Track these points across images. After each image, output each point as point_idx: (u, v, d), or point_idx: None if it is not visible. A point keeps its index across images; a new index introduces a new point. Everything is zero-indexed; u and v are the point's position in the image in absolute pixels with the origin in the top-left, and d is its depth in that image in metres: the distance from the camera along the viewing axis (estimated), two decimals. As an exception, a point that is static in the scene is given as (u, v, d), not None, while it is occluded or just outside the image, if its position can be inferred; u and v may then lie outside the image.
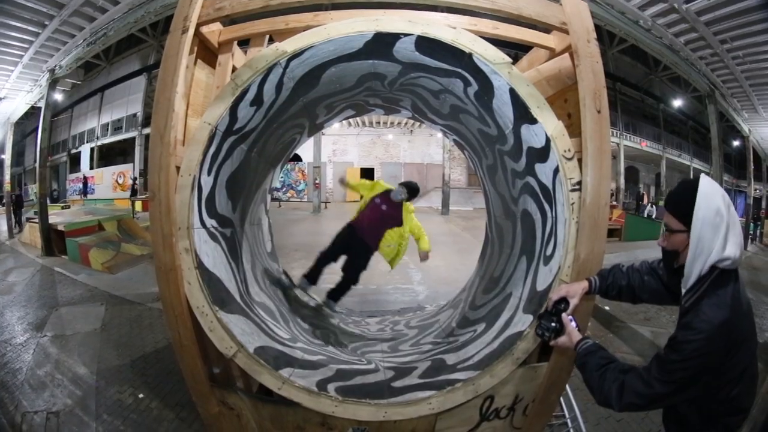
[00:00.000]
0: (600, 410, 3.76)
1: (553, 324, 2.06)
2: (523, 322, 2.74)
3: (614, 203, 18.63)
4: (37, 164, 12.88)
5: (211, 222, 3.15)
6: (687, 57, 10.39)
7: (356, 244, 4.98)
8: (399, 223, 4.93)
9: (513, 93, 2.59)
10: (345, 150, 26.22)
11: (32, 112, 16.04)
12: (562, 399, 3.34)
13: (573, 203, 2.42)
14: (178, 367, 3.26)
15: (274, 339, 3.36)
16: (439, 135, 22.38)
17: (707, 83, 11.40)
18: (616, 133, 22.84)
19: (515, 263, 3.36)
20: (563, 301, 2.11)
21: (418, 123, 17.74)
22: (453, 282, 7.18)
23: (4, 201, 17.11)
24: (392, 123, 25.36)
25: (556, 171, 2.52)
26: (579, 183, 2.40)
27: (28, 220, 14.45)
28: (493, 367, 2.73)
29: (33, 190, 25.55)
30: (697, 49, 10.02)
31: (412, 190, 4.92)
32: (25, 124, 23.62)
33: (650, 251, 9.57)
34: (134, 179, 23.56)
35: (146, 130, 23.44)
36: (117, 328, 6.85)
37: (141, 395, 4.99)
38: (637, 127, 25.32)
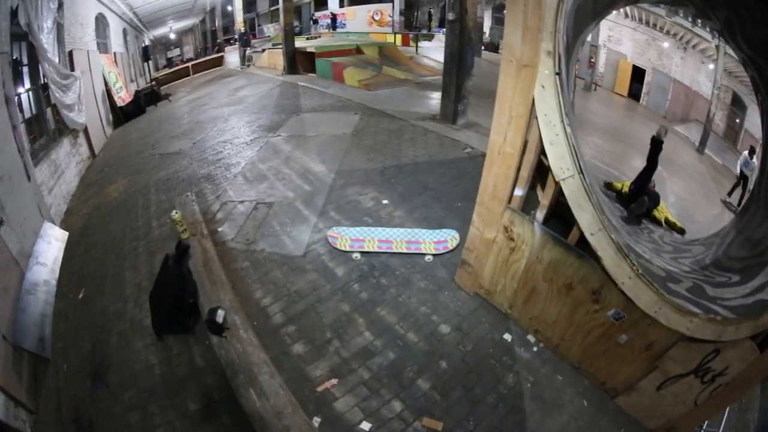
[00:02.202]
0: None
1: None
2: None
3: None
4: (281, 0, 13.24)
5: (569, 37, 3.06)
6: None
7: None
8: None
9: None
10: (620, 40, 24.00)
11: None
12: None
13: None
14: (477, 174, 3.22)
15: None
16: (711, 66, 19.51)
17: None
18: None
19: None
20: None
21: (693, 43, 15.92)
22: (697, 222, 7.18)
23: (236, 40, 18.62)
24: (668, 31, 22.35)
25: None
26: None
27: (265, 49, 15.16)
28: (742, 321, 2.62)
29: (270, 27, 28.04)
30: None
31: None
32: None
33: None
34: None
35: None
36: (371, 135, 6.65)
37: (385, 201, 4.84)
38: None
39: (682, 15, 18.20)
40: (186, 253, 3.88)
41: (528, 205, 3.47)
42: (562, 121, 2.72)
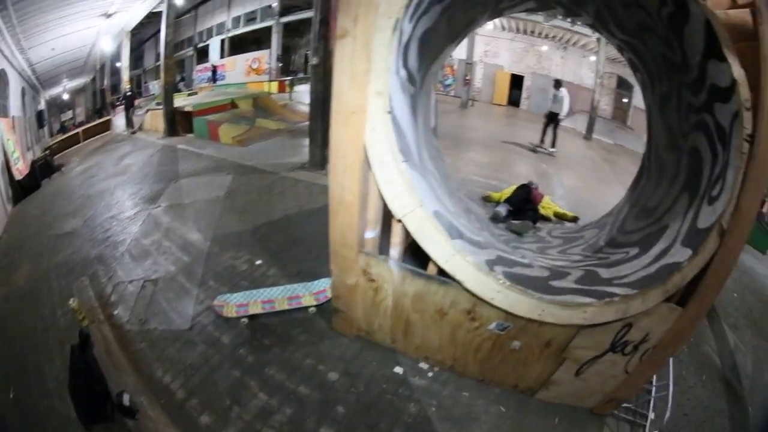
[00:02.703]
0: (678, 394, 3.71)
1: None
2: (682, 254, 2.70)
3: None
4: (162, 56, 12.86)
5: (403, 72, 2.99)
6: None
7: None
8: None
9: (708, 25, 2.50)
10: (496, 53, 25.62)
11: (148, 21, 16.96)
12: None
13: (744, 153, 2.40)
14: (327, 229, 3.20)
15: (444, 209, 3.20)
16: (592, 58, 21.24)
17: None
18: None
19: (675, 197, 3.29)
20: None
21: (573, 41, 17.09)
22: (591, 206, 7.14)
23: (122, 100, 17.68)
24: (546, 35, 24.04)
25: (735, 116, 2.47)
26: (751, 137, 2.37)
27: (149, 110, 14.68)
28: (648, 291, 2.68)
29: (155, 85, 26.70)
30: None
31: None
32: (141, 33, 25.17)
33: (756, 261, 8.88)
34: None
35: (284, 19, 24.34)
36: (243, 195, 6.58)
37: (258, 262, 4.84)
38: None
39: (560, 18, 19.29)
40: (87, 342, 3.85)
41: (387, 242, 3.56)
42: (395, 160, 2.77)
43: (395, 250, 3.14)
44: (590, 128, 18.33)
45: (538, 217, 6.18)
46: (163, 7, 12.81)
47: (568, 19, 17.55)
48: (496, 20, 23.49)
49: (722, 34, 2.44)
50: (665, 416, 3.31)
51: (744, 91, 2.40)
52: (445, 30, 3.85)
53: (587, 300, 2.74)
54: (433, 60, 4.22)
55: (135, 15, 15.75)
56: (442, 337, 3.36)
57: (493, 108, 22.34)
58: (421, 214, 2.79)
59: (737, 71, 2.42)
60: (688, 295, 2.69)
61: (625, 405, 3.35)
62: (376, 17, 2.58)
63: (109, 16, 14.87)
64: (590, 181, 9.98)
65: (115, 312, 4.52)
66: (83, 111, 23.51)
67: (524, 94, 25.63)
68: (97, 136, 15.95)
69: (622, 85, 25.06)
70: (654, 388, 3.45)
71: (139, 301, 4.54)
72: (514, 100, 25.82)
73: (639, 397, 3.44)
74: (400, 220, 2.87)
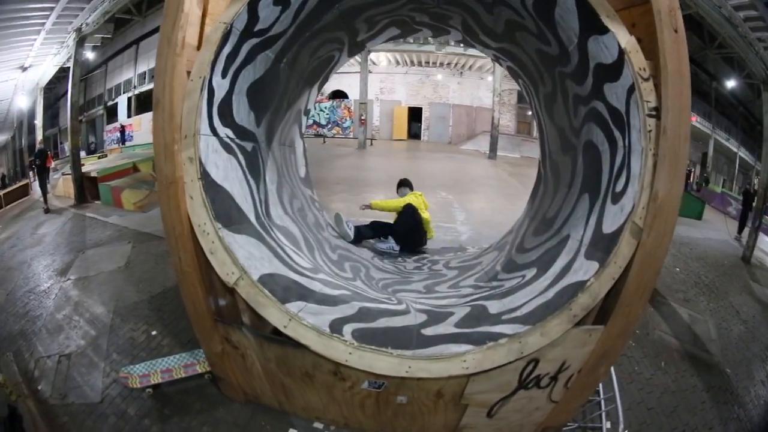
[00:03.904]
0: (636, 392, 3.64)
1: None
2: (586, 269, 2.36)
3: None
4: (69, 118, 12.22)
5: (225, 131, 2.88)
6: (745, 35, 9.87)
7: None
8: None
9: (579, 0, 2.32)
10: (393, 88, 26.18)
11: (64, 75, 15.63)
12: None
13: (650, 131, 2.09)
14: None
15: (290, 267, 3.04)
16: (489, 78, 22.10)
17: (763, 69, 10.28)
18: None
19: (574, 202, 3.01)
20: None
21: (468, 65, 17.89)
22: (498, 225, 6.83)
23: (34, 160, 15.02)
24: (441, 63, 25.06)
25: (631, 91, 2.18)
26: (656, 109, 2.09)
27: (63, 174, 13.75)
28: (546, 323, 2.30)
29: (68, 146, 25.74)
30: (756, 29, 9.64)
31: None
32: (57, 88, 23.92)
33: (693, 229, 9.68)
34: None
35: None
36: (141, 264, 6.76)
37: (154, 332, 4.99)
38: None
39: (453, 43, 19.40)
40: (15, 415, 3.88)
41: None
42: (214, 228, 2.60)
43: (245, 316, 2.95)
44: (493, 146, 18.48)
45: (425, 240, 5.75)
46: (71, 63, 12.20)
47: (442, 40, 17.56)
48: (389, 56, 24.06)
49: (600, 3, 2.23)
50: (619, 429, 3.05)
51: (637, 60, 2.13)
52: (287, 76, 3.71)
53: (463, 348, 2.36)
54: (280, 109, 4.01)
55: (48, 70, 14.67)
56: (322, 398, 3.05)
57: (394, 144, 22.14)
58: (246, 281, 2.63)
59: (624, 38, 2.17)
60: (609, 309, 2.30)
61: (571, 425, 3.06)
62: (181, 83, 2.50)
63: (24, 69, 14.05)
64: (496, 200, 9.78)
65: (39, 387, 4.55)
66: (5, 171, 21.94)
67: (424, 125, 26.15)
68: (16, 202, 14.89)
69: (523, 99, 26.27)
70: (603, 401, 3.19)
71: (57, 375, 4.62)
72: (414, 133, 26.31)
73: (589, 411, 3.21)
74: (233, 288, 2.68)
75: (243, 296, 2.63)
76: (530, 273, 2.98)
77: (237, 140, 3.01)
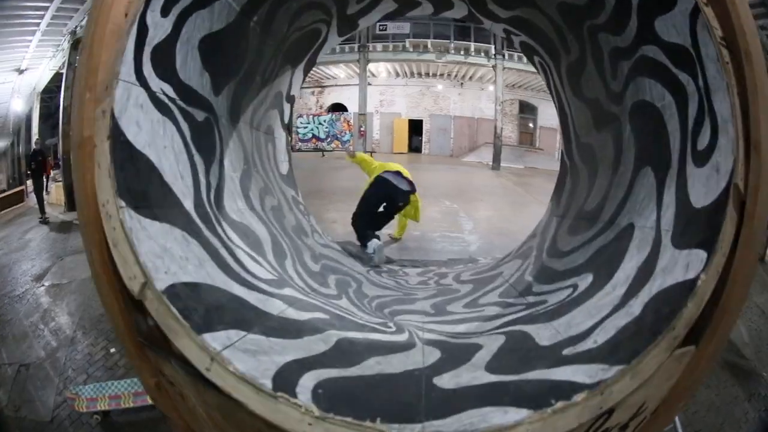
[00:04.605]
0: (681, 414, 3.42)
1: None
2: (685, 263, 1.61)
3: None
4: (60, 123, 11.99)
5: (161, 85, 2.24)
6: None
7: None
8: None
9: None
10: (392, 101, 25.99)
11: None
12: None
13: (727, 62, 1.58)
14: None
15: (235, 278, 2.21)
16: (491, 88, 21.51)
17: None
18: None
19: (628, 183, 2.43)
20: None
21: (469, 75, 17.39)
22: (510, 233, 6.36)
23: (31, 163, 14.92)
24: (441, 74, 24.80)
25: (695, 14, 1.71)
26: (725, 39, 1.60)
27: (55, 180, 14.21)
28: (643, 358, 1.48)
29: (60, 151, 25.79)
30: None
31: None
32: (59, 97, 23.62)
33: None
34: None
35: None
36: None
37: (113, 350, 4.95)
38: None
39: (453, 52, 19.49)
40: None
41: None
42: (116, 207, 1.72)
43: (173, 344, 1.94)
44: (497, 157, 17.97)
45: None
46: (64, 68, 11.85)
47: (443, 15, 17.52)
48: (389, 67, 23.75)
49: None
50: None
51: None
52: (260, 40, 3.13)
53: (512, 417, 1.37)
54: (250, 82, 3.34)
55: (44, 74, 14.55)
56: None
57: (394, 158, 21.68)
58: (156, 293, 1.70)
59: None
60: (698, 320, 1.55)
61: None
62: (111, 20, 1.86)
63: (21, 72, 13.73)
64: (504, 208, 9.39)
65: (-2, 395, 4.61)
66: (5, 178, 21.66)
67: (424, 137, 25.75)
68: (10, 208, 15.14)
69: (525, 109, 26.16)
70: None
71: (15, 386, 4.62)
72: (415, 147, 25.91)
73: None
74: (140, 301, 1.76)
75: (152, 313, 1.74)
76: (584, 281, 2.26)
77: (180, 102, 2.35)
